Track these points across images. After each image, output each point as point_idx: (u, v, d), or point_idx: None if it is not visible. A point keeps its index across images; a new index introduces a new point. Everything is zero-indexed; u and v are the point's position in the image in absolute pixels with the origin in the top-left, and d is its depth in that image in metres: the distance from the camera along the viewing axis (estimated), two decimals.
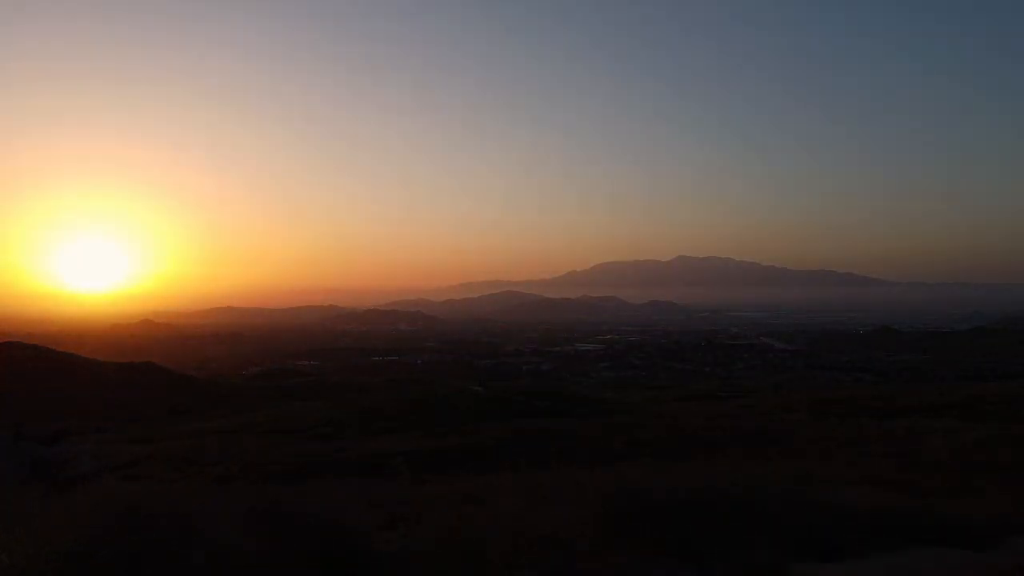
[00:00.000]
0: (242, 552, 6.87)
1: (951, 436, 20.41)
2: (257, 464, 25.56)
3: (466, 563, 7.29)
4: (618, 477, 11.45)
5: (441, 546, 7.76)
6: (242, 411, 75.82)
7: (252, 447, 29.12)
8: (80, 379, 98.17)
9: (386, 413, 44.21)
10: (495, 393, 53.05)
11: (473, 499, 10.95)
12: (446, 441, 24.64)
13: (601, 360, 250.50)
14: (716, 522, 8.22)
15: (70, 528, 6.88)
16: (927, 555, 8.00)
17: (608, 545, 7.81)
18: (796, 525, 8.38)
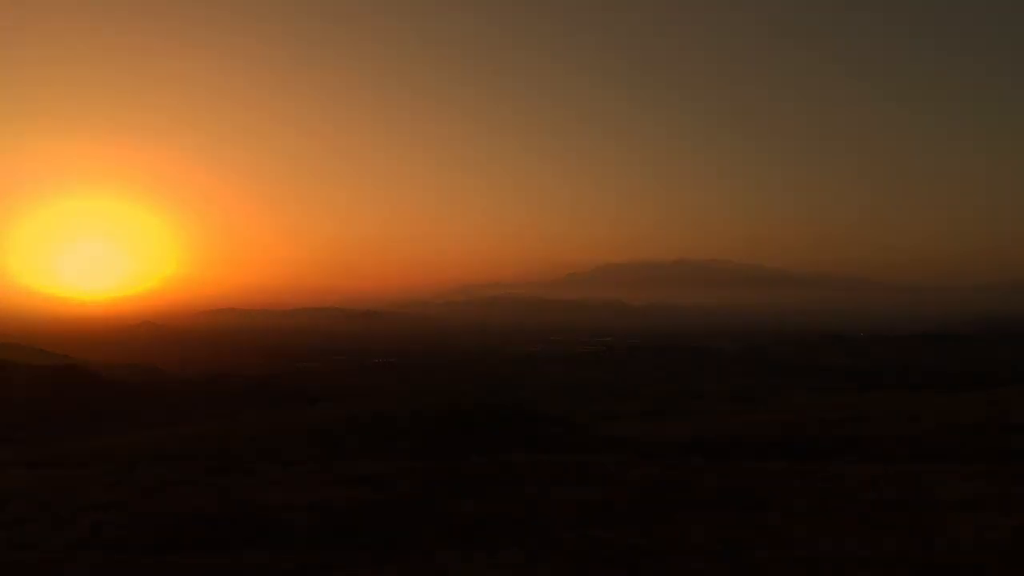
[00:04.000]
0: None
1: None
2: (140, 513, 20.78)
3: None
4: None
5: None
6: (168, 423, 71.26)
7: (142, 484, 24.31)
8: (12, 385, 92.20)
9: (338, 433, 40.07)
10: (470, 412, 48.46)
11: None
12: (367, 488, 19.72)
13: (600, 364, 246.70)
14: None
15: None
16: None
17: None
18: None
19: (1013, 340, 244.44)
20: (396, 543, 15.89)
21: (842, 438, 44.81)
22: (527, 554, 14.32)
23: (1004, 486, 19.70)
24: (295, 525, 17.92)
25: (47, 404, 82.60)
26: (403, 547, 15.50)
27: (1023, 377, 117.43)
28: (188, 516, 19.39)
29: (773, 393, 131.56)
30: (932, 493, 18.90)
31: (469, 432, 40.36)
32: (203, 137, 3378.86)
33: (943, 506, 17.35)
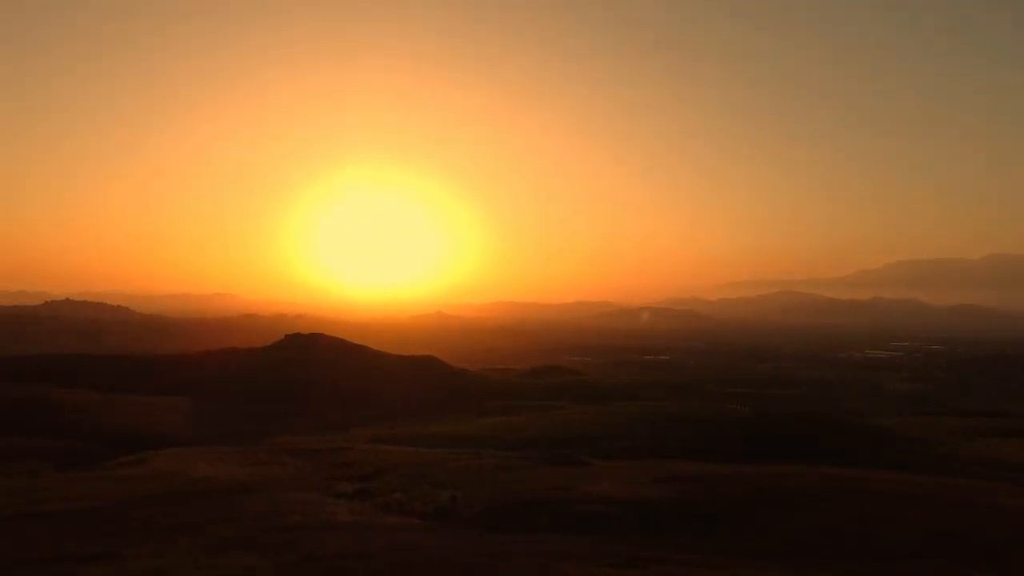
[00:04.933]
0: None
1: None
2: (483, 493, 23.86)
3: None
4: None
5: None
6: (505, 412, 77.50)
7: (485, 468, 27.63)
8: (370, 370, 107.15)
9: (634, 431, 41.69)
10: (763, 419, 47.21)
11: None
12: (688, 489, 21.00)
13: (895, 370, 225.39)
14: None
15: None
16: None
17: None
18: None
19: None
20: (715, 547, 16.44)
21: None
22: None
23: None
24: (621, 518, 19.50)
25: (409, 389, 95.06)
26: (722, 552, 15.85)
27: None
28: (527, 500, 21.95)
29: None
30: None
31: (791, 440, 39.64)
32: (499, 137, 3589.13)
33: None
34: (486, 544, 18.63)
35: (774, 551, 15.68)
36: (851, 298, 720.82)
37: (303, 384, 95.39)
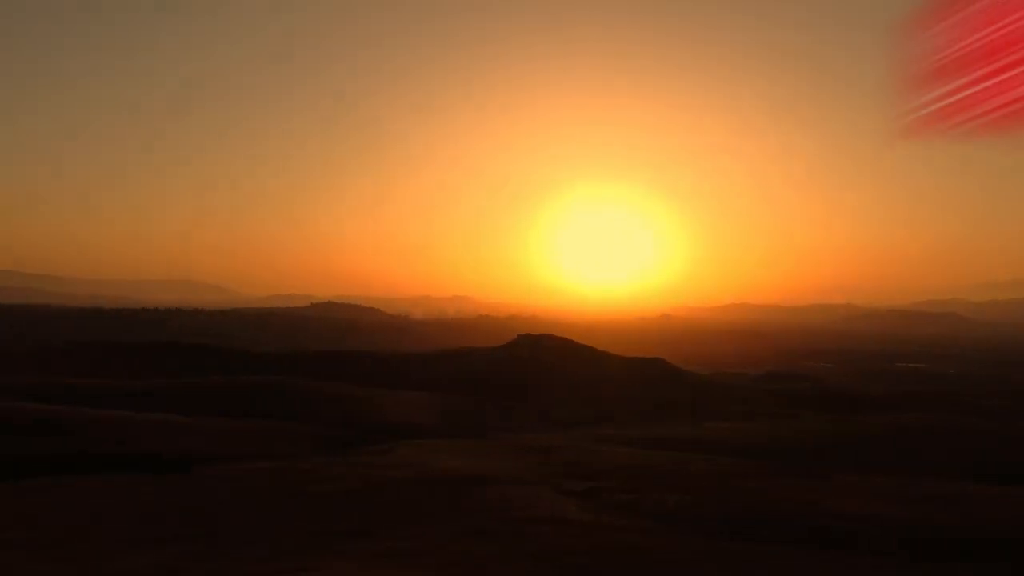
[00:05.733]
0: None
1: None
2: (715, 500, 23.21)
3: None
4: None
5: None
6: (738, 417, 74.78)
7: (718, 474, 26.86)
8: (597, 371, 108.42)
9: (883, 444, 38.16)
10: None
11: None
12: (948, 512, 18.92)
13: None
14: None
15: None
16: None
17: None
18: None
19: None
20: None
21: None
22: None
23: None
24: (868, 537, 17.98)
25: (636, 391, 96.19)
26: None
27: None
28: (763, 510, 20.93)
29: None
30: None
31: None
32: (749, 139, 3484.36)
33: None
34: (717, 552, 18.10)
35: None
36: None
37: (533, 383, 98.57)
